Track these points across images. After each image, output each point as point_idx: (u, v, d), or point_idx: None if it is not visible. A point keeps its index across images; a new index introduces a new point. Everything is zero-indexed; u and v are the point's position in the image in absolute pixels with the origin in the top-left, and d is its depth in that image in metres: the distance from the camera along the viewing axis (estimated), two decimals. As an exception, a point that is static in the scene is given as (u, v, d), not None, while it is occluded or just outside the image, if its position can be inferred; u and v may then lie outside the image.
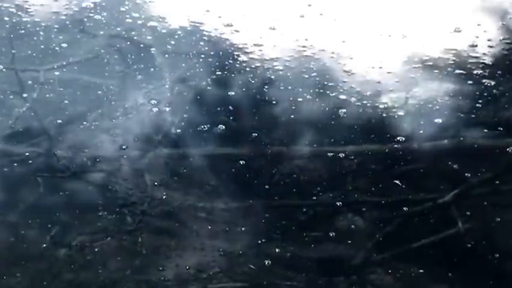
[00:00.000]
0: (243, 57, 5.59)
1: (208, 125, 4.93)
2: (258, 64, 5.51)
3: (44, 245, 4.14)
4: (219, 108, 5.10)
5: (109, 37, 5.86)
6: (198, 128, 4.92)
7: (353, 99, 5.16)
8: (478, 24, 5.92)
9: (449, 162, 4.63)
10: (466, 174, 4.55)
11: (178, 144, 4.84)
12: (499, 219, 4.28)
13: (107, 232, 4.23)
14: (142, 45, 5.74)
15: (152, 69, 5.49)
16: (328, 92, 5.24)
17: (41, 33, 5.86)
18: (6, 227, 4.25)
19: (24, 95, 5.21)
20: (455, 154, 4.71)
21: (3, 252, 4.12)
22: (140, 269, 4.05)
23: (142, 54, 5.65)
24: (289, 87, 5.27)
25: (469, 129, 4.89)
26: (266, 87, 5.28)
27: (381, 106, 5.10)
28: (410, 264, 4.06)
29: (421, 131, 4.88)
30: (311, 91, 5.25)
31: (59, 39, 5.80)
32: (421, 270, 4.03)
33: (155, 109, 5.08)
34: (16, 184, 4.53)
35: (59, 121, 4.98)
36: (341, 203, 4.41)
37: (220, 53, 5.68)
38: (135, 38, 5.83)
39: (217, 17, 6.06)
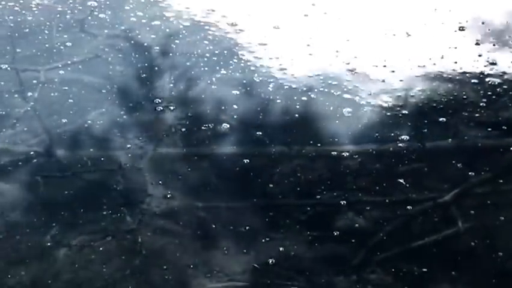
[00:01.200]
0: (247, 57, 5.58)
1: (211, 125, 4.93)
2: (262, 63, 5.51)
3: (44, 245, 4.14)
4: (222, 108, 5.10)
5: (113, 37, 5.87)
6: (201, 128, 4.92)
7: (356, 98, 5.15)
8: (482, 23, 5.91)
9: (451, 162, 4.61)
10: (467, 173, 4.53)
11: (180, 143, 4.84)
12: (499, 218, 4.26)
13: (107, 232, 4.23)
14: (145, 45, 5.75)
15: (155, 68, 5.49)
16: (331, 91, 5.23)
17: (45, 31, 5.87)
18: (6, 226, 4.26)
19: (29, 94, 5.22)
20: (456, 153, 4.69)
21: (3, 252, 4.13)
22: (140, 269, 4.04)
23: (146, 54, 5.65)
24: (293, 86, 5.26)
25: (471, 129, 4.88)
26: (270, 86, 5.27)
27: (384, 105, 5.09)
28: (410, 263, 4.05)
29: (423, 130, 4.87)
30: (315, 90, 5.23)
31: (62, 38, 5.81)
32: (421, 270, 4.02)
33: (158, 108, 5.07)
34: (16, 184, 4.54)
35: (60, 121, 4.99)
36: (343, 202, 4.39)
37: (224, 52, 5.67)
38: (139, 37, 5.83)
39: (222, 16, 6.07)
